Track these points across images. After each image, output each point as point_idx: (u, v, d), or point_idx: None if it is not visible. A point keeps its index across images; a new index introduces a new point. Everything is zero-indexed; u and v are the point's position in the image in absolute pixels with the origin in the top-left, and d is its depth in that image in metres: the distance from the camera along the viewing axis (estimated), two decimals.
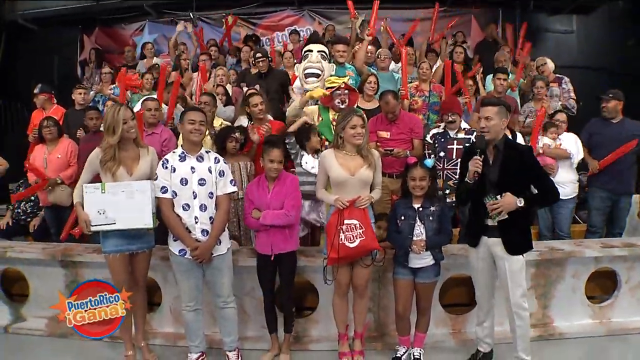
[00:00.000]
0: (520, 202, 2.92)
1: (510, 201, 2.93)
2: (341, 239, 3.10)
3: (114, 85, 6.03)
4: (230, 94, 5.46)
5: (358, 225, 3.11)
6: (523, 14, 8.14)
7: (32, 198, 4.78)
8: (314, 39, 5.10)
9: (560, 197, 4.29)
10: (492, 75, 5.54)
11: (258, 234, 3.39)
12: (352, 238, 3.11)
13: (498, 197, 2.96)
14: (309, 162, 3.95)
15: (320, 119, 4.28)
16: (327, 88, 4.26)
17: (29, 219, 4.81)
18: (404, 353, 3.43)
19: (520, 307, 3.06)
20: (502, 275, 3.08)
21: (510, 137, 3.14)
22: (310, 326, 3.76)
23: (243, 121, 4.41)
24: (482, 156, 3.01)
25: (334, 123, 4.00)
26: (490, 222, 3.05)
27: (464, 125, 4.36)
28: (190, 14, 8.26)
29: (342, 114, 3.22)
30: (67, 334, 3.65)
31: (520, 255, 3.05)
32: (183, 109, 4.00)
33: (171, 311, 3.80)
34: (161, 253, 3.55)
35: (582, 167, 4.77)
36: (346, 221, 3.11)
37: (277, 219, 3.26)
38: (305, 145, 3.99)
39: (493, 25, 7.61)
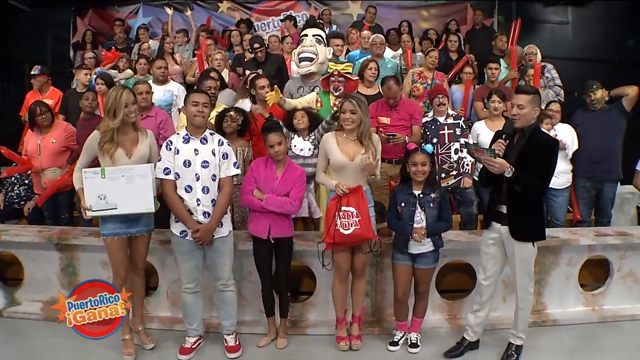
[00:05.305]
0: (509, 173, 2.90)
1: (503, 164, 2.90)
2: (337, 225, 3.13)
3: (99, 69, 5.95)
4: (227, 79, 5.40)
5: (355, 213, 3.13)
6: (519, 5, 8.13)
7: (26, 182, 4.71)
8: (310, 23, 5.14)
9: (555, 187, 4.42)
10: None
11: (254, 214, 3.35)
12: (347, 225, 3.13)
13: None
14: (297, 144, 3.92)
15: (319, 105, 4.28)
16: (325, 73, 4.33)
17: (22, 203, 4.75)
18: (401, 338, 3.46)
19: (526, 291, 3.15)
20: (511, 261, 3.13)
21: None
22: (307, 310, 3.78)
23: (246, 104, 4.39)
24: (507, 141, 3.02)
25: (335, 108, 4.02)
26: (503, 210, 3.08)
27: (450, 112, 4.39)
28: None
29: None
30: None
31: (531, 244, 3.07)
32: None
33: (168, 295, 3.79)
34: (159, 237, 3.54)
35: None
36: (343, 208, 3.13)
37: (279, 207, 3.25)
38: (294, 126, 3.94)
39: (479, 11, 7.59)
